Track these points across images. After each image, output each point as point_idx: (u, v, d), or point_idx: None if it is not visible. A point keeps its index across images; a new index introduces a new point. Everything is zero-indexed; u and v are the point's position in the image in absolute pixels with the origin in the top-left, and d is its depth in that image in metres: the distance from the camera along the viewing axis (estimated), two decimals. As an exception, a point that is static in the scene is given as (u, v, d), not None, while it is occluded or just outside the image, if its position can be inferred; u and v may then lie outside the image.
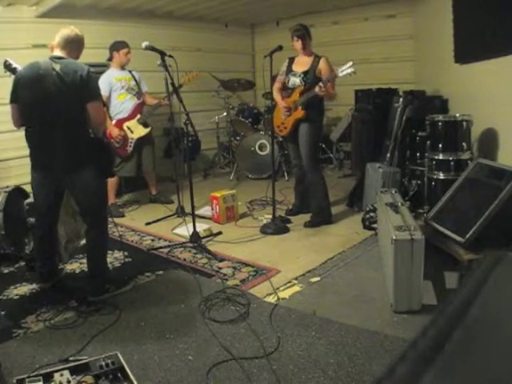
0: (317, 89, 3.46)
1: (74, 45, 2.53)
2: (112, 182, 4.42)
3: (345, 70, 3.37)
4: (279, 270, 2.97)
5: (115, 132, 4.27)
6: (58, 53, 2.49)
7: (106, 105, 4.26)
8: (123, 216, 4.41)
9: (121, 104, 4.36)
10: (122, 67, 4.39)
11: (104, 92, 4.14)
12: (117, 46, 4.32)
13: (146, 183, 4.83)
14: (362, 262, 3.07)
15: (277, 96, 3.86)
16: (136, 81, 4.47)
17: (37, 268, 2.83)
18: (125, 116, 4.37)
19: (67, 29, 2.54)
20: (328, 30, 6.36)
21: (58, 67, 2.37)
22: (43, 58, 2.48)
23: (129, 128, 4.37)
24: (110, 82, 4.28)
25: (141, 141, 4.44)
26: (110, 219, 2.85)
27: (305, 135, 3.70)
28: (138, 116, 4.42)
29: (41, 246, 2.78)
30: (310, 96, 3.56)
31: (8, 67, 2.64)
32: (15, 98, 2.46)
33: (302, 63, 3.71)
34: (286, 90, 3.82)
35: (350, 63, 3.33)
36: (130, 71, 4.46)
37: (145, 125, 4.46)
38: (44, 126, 2.42)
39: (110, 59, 4.39)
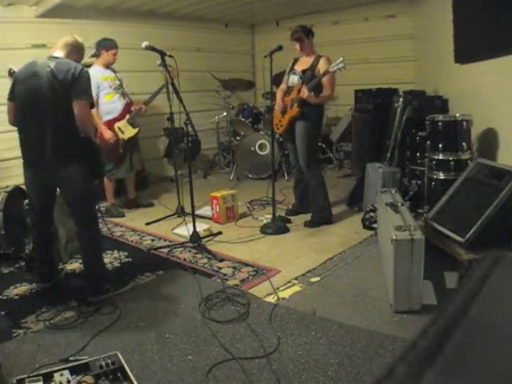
0: (301, 92, 3.50)
1: (72, 48, 2.59)
2: (108, 185, 4.39)
3: (335, 65, 3.39)
4: (279, 270, 2.97)
5: (108, 134, 4.13)
6: (57, 53, 2.54)
7: (93, 106, 4.20)
8: (123, 216, 4.41)
9: (110, 104, 4.24)
10: (107, 66, 4.29)
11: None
12: (107, 45, 4.21)
13: (124, 187, 4.63)
14: (362, 261, 3.07)
15: (278, 94, 3.92)
16: (120, 80, 4.37)
17: (36, 268, 2.84)
18: (115, 116, 4.26)
19: (68, 36, 2.62)
20: (328, 29, 6.35)
21: (52, 64, 2.41)
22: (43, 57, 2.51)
23: (119, 128, 4.27)
24: (98, 81, 4.10)
25: (130, 141, 4.35)
26: (101, 220, 2.85)
27: (301, 134, 3.70)
28: (127, 116, 4.31)
29: (38, 245, 2.79)
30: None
31: (13, 75, 2.66)
32: (12, 96, 2.51)
33: (304, 63, 3.74)
34: (287, 89, 3.84)
35: (341, 59, 3.35)
36: (114, 71, 4.35)
37: (132, 125, 4.36)
38: (35, 120, 2.44)
39: (97, 56, 4.23)
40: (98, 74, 4.15)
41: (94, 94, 4.11)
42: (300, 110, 3.64)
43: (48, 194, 2.68)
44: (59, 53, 2.54)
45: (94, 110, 4.06)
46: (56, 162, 2.47)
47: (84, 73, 2.45)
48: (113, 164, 4.31)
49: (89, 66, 4.34)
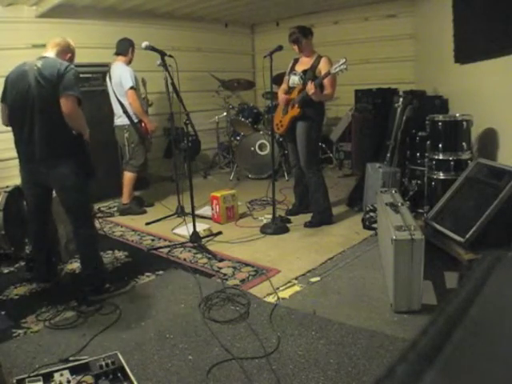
0: (308, 87, 3.46)
1: (61, 48, 2.64)
2: (132, 179, 4.38)
3: (337, 66, 3.36)
4: (279, 270, 2.97)
5: (152, 126, 4.31)
6: (47, 54, 2.60)
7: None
8: (145, 212, 4.42)
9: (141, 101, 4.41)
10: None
11: (134, 84, 4.11)
12: (132, 44, 4.25)
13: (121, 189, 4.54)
14: (361, 261, 3.07)
15: (280, 94, 3.91)
16: None
17: (35, 267, 2.84)
18: None
19: (59, 37, 2.71)
20: (328, 29, 6.36)
21: (39, 63, 2.45)
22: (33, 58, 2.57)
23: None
24: (136, 77, 4.23)
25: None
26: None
27: (302, 134, 3.70)
28: None
29: (35, 244, 2.80)
30: (304, 94, 3.56)
31: None
32: (3, 97, 2.57)
33: (304, 63, 3.73)
34: (288, 89, 3.84)
35: (343, 60, 3.32)
36: None
37: None
38: (25, 119, 2.46)
39: (124, 54, 4.23)
40: (132, 71, 4.19)
41: (133, 84, 4.08)
42: (301, 111, 3.64)
43: (43, 193, 2.68)
44: (50, 53, 2.59)
45: (138, 103, 4.13)
46: (46, 160, 2.48)
47: (70, 69, 2.45)
48: (145, 159, 4.43)
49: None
